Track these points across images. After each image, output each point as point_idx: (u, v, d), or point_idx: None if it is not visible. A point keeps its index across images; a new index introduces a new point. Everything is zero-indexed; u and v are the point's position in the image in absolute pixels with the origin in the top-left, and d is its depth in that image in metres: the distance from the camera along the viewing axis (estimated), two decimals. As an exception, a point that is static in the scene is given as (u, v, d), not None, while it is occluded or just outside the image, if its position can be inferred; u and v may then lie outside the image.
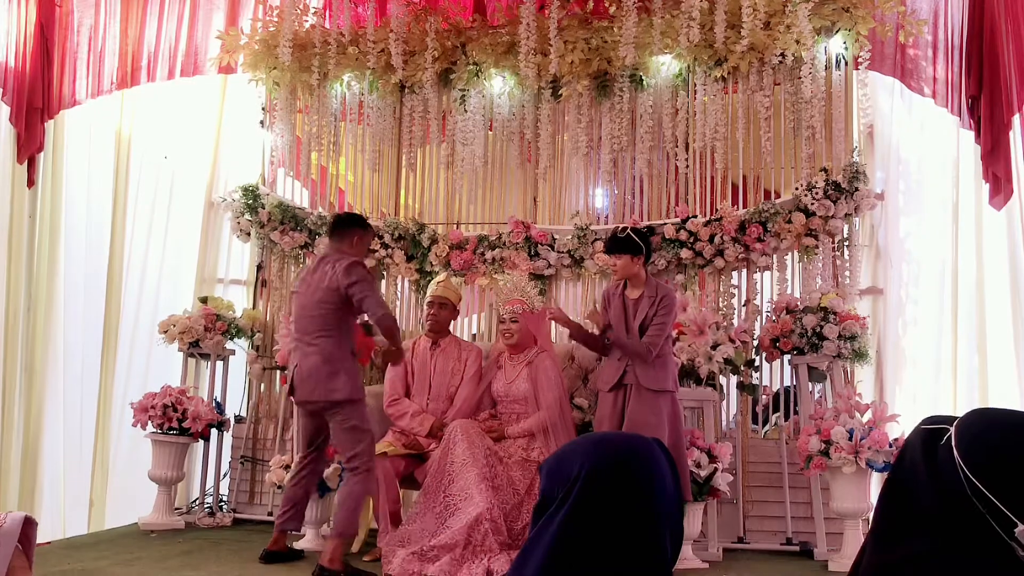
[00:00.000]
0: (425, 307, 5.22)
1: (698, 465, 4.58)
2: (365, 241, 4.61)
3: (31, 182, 6.02)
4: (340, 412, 4.33)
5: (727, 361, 5.01)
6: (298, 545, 4.82)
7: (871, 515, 4.91)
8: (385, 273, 6.20)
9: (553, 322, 5.04)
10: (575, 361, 5.45)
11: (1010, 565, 1.31)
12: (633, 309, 4.50)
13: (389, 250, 6.05)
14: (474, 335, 6.33)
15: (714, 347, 5.00)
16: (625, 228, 4.60)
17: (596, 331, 4.71)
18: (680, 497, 1.54)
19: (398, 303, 6.20)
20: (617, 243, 4.53)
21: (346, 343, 4.38)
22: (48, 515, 5.86)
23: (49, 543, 4.94)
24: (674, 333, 4.99)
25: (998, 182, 5.18)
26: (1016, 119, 5.07)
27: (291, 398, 4.64)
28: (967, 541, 1.33)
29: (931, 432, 1.43)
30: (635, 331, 4.45)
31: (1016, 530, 1.29)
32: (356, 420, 4.35)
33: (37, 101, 6.08)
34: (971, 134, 5.41)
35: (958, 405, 5.29)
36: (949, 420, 1.43)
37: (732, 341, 5.10)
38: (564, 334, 5.89)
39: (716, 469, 4.63)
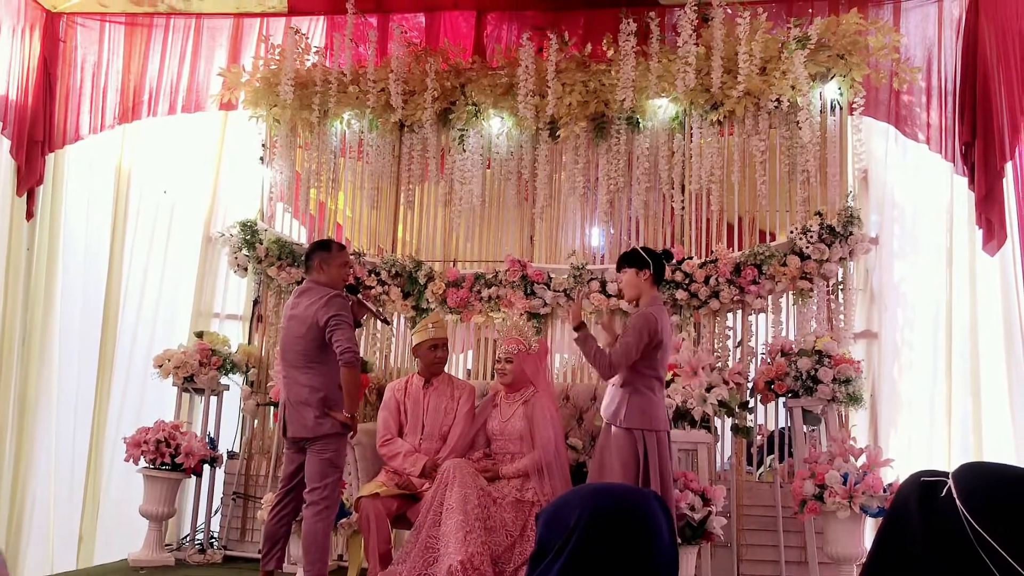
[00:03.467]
0: (425, 351, 5.04)
1: (692, 508, 4.54)
2: (332, 262, 4.53)
3: (30, 214, 6.05)
4: (320, 443, 4.37)
5: (721, 403, 5.01)
6: (288, 584, 4.78)
7: (864, 561, 4.89)
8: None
9: (549, 359, 5.00)
10: (570, 400, 5.44)
11: None
12: (625, 327, 4.36)
13: (386, 287, 6.07)
14: (468, 371, 6.33)
15: (708, 389, 4.99)
16: (632, 246, 4.56)
17: (607, 340, 4.44)
18: (676, 550, 1.54)
19: (393, 340, 6.20)
20: (623, 257, 4.42)
21: (334, 375, 4.39)
22: (37, 550, 5.82)
23: (37, 579, 4.91)
24: (668, 375, 4.97)
25: (991, 228, 5.21)
26: (1008, 166, 5.11)
27: (284, 436, 4.62)
28: None
29: (928, 484, 1.44)
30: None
31: None
32: (332, 454, 4.39)
33: (38, 134, 6.13)
34: (965, 180, 5.46)
35: (952, 449, 5.28)
36: (943, 474, 1.45)
37: (726, 383, 5.09)
38: (561, 373, 5.91)
39: (710, 512, 4.60)
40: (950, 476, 1.43)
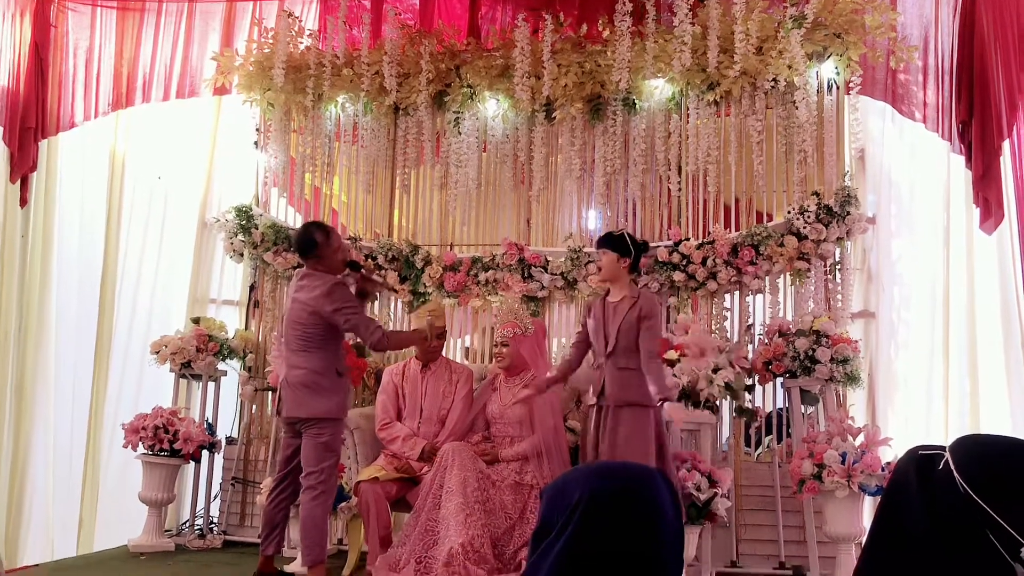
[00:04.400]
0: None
1: (698, 488, 4.54)
2: (327, 248, 4.47)
3: (24, 201, 6.03)
4: (316, 427, 4.36)
5: (727, 386, 5.00)
6: (288, 569, 4.79)
7: (863, 539, 4.91)
8: (379, 294, 6.20)
9: (547, 343, 5.02)
10: (568, 384, 5.44)
11: None
12: (612, 312, 4.44)
13: (383, 271, 6.05)
14: (467, 348, 6.32)
15: (715, 371, 4.99)
16: (622, 230, 4.62)
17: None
18: (681, 527, 1.54)
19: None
20: (606, 239, 4.51)
21: (332, 360, 4.38)
22: (36, 537, 5.82)
23: (37, 566, 4.92)
24: (675, 355, 4.98)
25: (989, 206, 5.21)
26: (1006, 145, 5.11)
27: (279, 415, 4.63)
28: (964, 563, 1.35)
29: (926, 458, 1.45)
30: (612, 335, 4.38)
31: (1022, 551, 1.31)
32: (328, 438, 4.38)
33: (31, 121, 6.09)
34: (962, 159, 5.45)
35: (950, 427, 5.30)
36: (940, 448, 1.46)
37: (732, 366, 5.07)
38: (559, 356, 5.91)
39: (716, 494, 4.60)
40: (947, 449, 1.44)
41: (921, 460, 1.45)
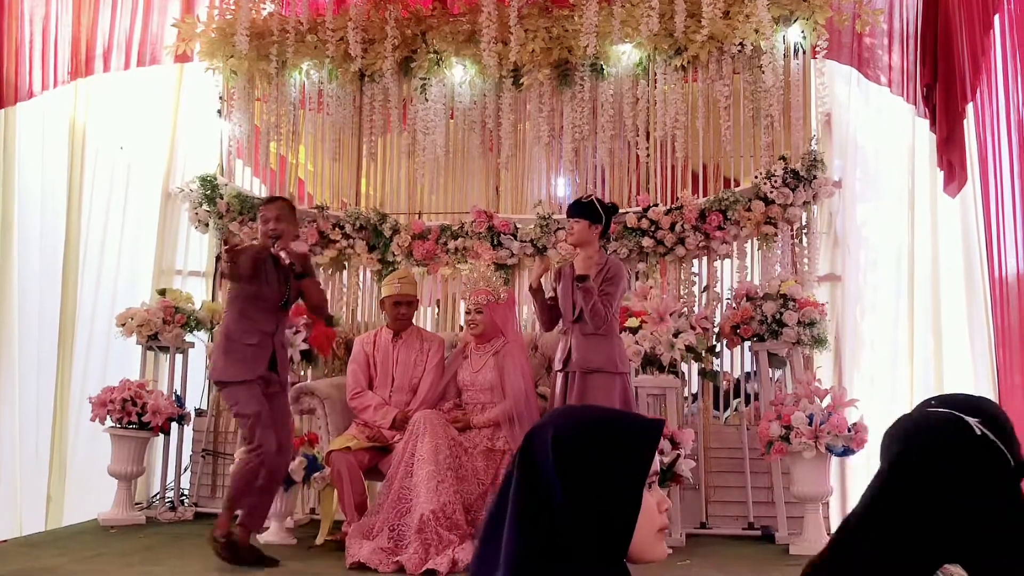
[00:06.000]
0: (389, 306, 5.03)
1: (661, 452, 4.60)
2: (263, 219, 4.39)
3: (-18, 173, 5.89)
4: (223, 394, 4.39)
5: (689, 348, 5.05)
6: (261, 538, 4.79)
7: (829, 499, 5.01)
8: (347, 264, 6.16)
9: (517, 310, 5.03)
10: (539, 350, 5.46)
11: None
12: None
13: (350, 240, 6.01)
14: (437, 314, 6.30)
15: (676, 335, 5.03)
16: (589, 195, 4.62)
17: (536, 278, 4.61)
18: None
19: (360, 294, 6.17)
20: (578, 207, 4.51)
21: (242, 323, 4.28)
22: (4, 512, 5.76)
23: (6, 541, 4.87)
24: (636, 322, 5.01)
25: (952, 170, 5.27)
26: (970, 108, 5.15)
27: None
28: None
29: (958, 421, 1.47)
30: (578, 301, 4.39)
31: None
32: (234, 406, 4.32)
33: (-14, 90, 5.94)
34: (926, 122, 5.50)
35: (915, 388, 5.39)
36: (952, 413, 1.48)
37: (693, 328, 5.13)
38: (530, 323, 5.92)
39: (679, 455, 4.67)
40: (960, 414, 1.47)
41: (958, 421, 1.48)
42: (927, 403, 1.56)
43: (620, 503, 1.30)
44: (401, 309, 5.01)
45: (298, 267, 4.29)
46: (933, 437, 1.47)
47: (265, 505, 4.41)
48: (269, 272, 4.32)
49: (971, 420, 1.45)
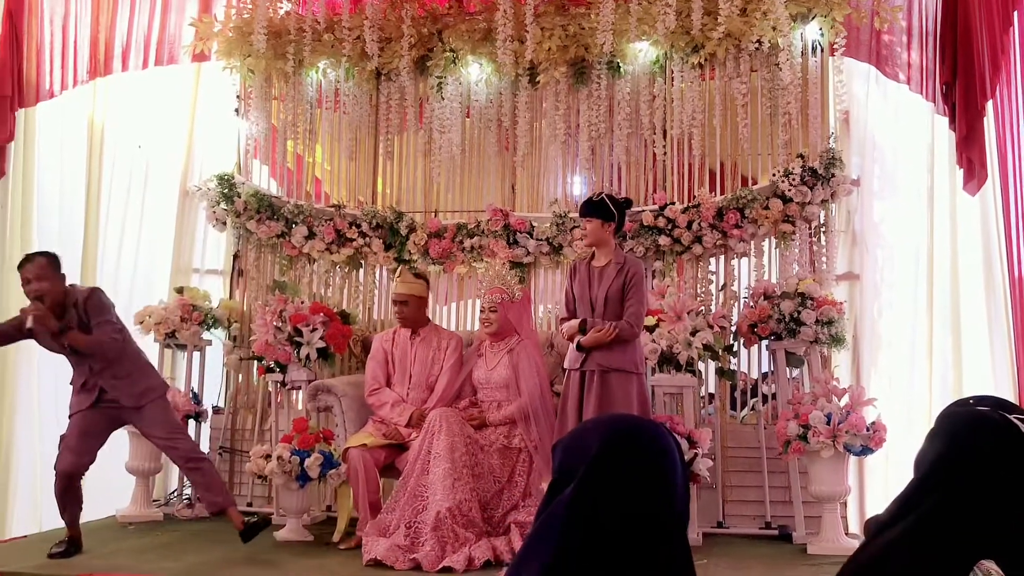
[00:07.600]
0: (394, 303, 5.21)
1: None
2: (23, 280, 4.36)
3: (1, 172, 5.94)
4: None
5: (706, 347, 5.03)
6: (278, 535, 4.81)
7: (847, 498, 4.98)
8: (363, 262, 6.17)
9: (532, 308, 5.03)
10: (555, 348, 5.45)
11: None
12: (598, 278, 4.50)
13: (367, 239, 6.02)
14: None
15: (693, 333, 5.00)
16: (600, 193, 4.61)
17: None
18: (688, 479, 1.55)
19: (376, 293, 6.18)
20: (590, 206, 4.53)
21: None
22: (23, 508, 5.81)
23: (26, 537, 4.91)
24: (653, 320, 5.00)
25: (972, 167, 5.22)
26: (989, 105, 5.10)
27: None
28: None
29: (1001, 419, 1.46)
30: (599, 300, 4.44)
31: None
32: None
33: (6, 89, 5.98)
34: (945, 120, 5.45)
35: (933, 388, 5.35)
36: (995, 412, 1.47)
37: (710, 327, 5.11)
38: (545, 321, 5.91)
39: (696, 455, 4.65)
40: (1007, 415, 1.46)
41: (1001, 419, 1.47)
42: (963, 402, 1.55)
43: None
44: (398, 307, 5.07)
45: (42, 331, 4.28)
46: (983, 436, 1.47)
47: (206, 483, 4.56)
48: (42, 334, 4.36)
49: (1014, 418, 1.44)
